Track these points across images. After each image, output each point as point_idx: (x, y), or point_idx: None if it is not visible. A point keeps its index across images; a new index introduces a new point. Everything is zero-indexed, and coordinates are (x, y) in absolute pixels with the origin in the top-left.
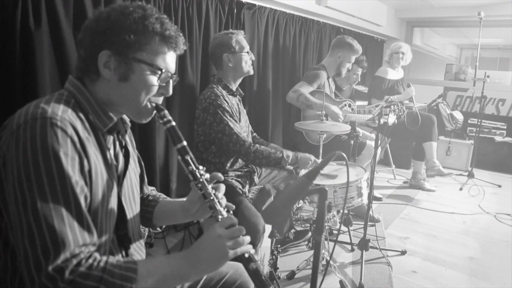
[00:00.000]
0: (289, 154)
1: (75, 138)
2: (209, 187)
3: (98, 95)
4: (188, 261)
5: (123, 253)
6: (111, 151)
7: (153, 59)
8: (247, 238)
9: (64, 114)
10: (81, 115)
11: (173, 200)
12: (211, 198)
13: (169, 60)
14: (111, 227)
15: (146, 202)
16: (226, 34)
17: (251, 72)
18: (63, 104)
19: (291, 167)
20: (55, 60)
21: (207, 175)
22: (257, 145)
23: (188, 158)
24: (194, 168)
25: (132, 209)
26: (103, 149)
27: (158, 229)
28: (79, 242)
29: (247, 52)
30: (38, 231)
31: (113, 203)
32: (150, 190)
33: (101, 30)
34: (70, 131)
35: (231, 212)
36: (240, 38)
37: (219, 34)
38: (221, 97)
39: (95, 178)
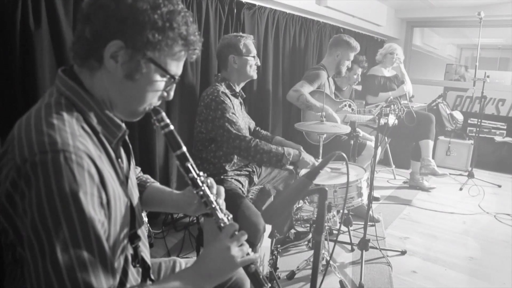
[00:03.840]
0: (290, 151)
1: (93, 170)
2: (211, 194)
3: (96, 90)
4: (200, 277)
5: (133, 250)
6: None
7: (167, 63)
8: (247, 244)
9: (75, 140)
10: (87, 127)
11: (162, 188)
12: (213, 206)
13: (181, 65)
14: (126, 234)
15: None
16: (235, 36)
17: (255, 77)
18: (66, 116)
19: (291, 167)
20: (55, 60)
21: (208, 180)
22: (257, 140)
23: (189, 165)
24: (195, 176)
25: (136, 203)
26: (113, 162)
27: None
28: (104, 287)
29: (253, 57)
30: (59, 283)
31: (127, 212)
32: (138, 172)
33: (121, 16)
34: (87, 163)
35: (231, 216)
36: (248, 42)
37: (229, 35)
38: (224, 94)
39: (113, 204)
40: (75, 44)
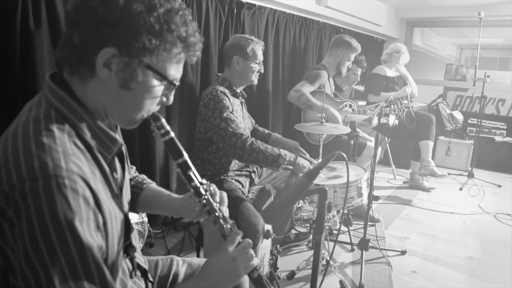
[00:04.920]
0: (286, 153)
1: (87, 194)
2: (214, 203)
3: (89, 100)
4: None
5: (129, 261)
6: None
7: (166, 68)
8: (252, 251)
9: (68, 161)
10: (79, 142)
11: (160, 191)
12: (216, 214)
13: (181, 68)
14: (121, 247)
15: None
16: (246, 39)
17: (255, 83)
18: (57, 132)
19: (289, 167)
20: (55, 60)
21: (211, 187)
22: (253, 138)
23: (191, 173)
24: (198, 185)
25: (127, 209)
26: (107, 178)
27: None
28: None
29: (258, 63)
30: None
31: (122, 226)
32: (133, 172)
33: (113, 20)
34: (81, 187)
35: (233, 221)
36: (257, 47)
37: (240, 36)
38: (223, 93)
39: (110, 224)
40: (63, 51)
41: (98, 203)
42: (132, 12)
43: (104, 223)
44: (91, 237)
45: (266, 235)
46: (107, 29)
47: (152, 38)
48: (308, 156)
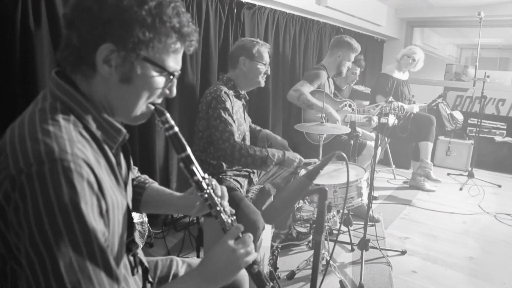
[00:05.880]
0: (274, 152)
1: (92, 179)
2: (216, 197)
3: (95, 96)
4: (205, 280)
5: (131, 257)
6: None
7: (164, 59)
8: (252, 245)
9: (73, 146)
10: (85, 132)
11: (162, 189)
12: (218, 208)
13: (179, 59)
14: (124, 242)
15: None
16: (252, 41)
17: (262, 84)
18: (63, 122)
19: (276, 167)
20: (55, 60)
21: (213, 182)
22: (242, 143)
23: (193, 168)
24: (200, 179)
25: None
26: (113, 169)
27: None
28: None
29: (264, 64)
30: None
31: (125, 220)
32: (136, 172)
33: (106, 17)
34: (86, 171)
35: (234, 217)
36: (263, 49)
37: (245, 39)
38: (226, 94)
39: (112, 213)
40: (64, 51)
41: (101, 189)
42: (124, 8)
43: (107, 211)
44: (95, 221)
45: (276, 236)
46: (102, 26)
47: (146, 31)
48: (292, 152)
